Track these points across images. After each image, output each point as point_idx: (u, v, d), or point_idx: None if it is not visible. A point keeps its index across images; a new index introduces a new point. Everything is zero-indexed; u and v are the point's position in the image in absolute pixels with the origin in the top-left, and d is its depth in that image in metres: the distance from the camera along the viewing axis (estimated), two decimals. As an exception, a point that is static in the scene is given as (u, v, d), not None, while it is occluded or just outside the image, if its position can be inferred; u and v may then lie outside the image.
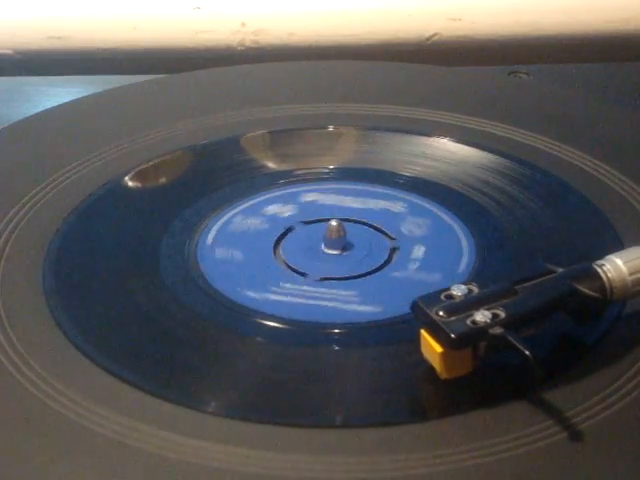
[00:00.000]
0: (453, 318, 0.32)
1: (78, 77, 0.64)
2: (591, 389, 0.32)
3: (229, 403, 0.33)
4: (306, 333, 0.37)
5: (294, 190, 0.46)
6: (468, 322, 0.32)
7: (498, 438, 0.31)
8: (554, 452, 0.30)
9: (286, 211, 0.44)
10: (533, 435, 0.31)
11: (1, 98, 0.59)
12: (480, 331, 0.31)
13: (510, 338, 0.31)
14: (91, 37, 0.69)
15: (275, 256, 0.41)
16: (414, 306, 0.33)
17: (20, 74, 0.65)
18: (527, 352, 0.30)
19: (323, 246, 0.41)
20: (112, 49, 0.69)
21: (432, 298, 0.33)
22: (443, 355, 0.32)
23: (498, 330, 0.31)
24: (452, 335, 0.31)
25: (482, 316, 0.32)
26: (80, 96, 0.55)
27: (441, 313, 0.32)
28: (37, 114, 0.53)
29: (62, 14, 0.69)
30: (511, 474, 0.30)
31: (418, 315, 0.33)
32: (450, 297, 0.33)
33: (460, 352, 0.32)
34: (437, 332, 0.32)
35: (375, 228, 0.43)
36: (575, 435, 0.31)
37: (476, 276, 0.39)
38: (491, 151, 0.48)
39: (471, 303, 0.32)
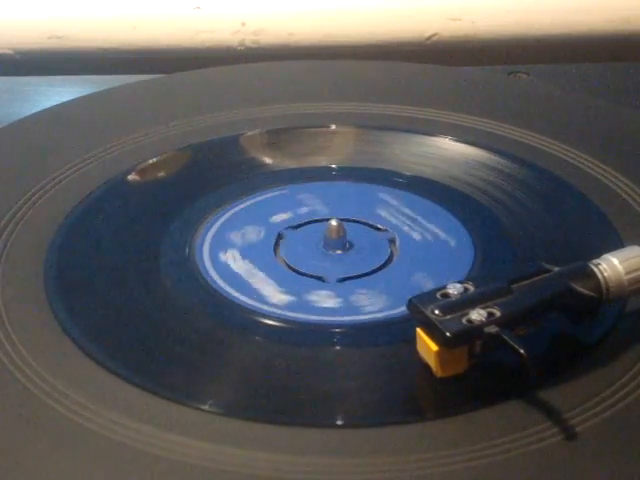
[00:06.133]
0: (448, 317, 0.32)
1: (78, 77, 0.64)
2: (591, 389, 0.32)
3: (229, 402, 0.33)
4: (305, 333, 0.37)
5: (294, 189, 0.46)
6: (463, 321, 0.32)
7: (496, 439, 0.31)
8: (553, 453, 0.30)
9: (286, 211, 0.44)
10: (532, 436, 0.31)
11: (1, 98, 0.59)
12: (475, 330, 0.31)
13: (505, 337, 0.31)
14: (91, 37, 0.69)
15: (275, 256, 0.41)
16: (410, 305, 0.33)
17: (20, 74, 0.65)
18: (522, 351, 0.30)
19: (323, 246, 0.41)
20: (112, 49, 0.69)
21: (428, 297, 0.33)
22: (438, 353, 0.32)
23: (493, 329, 0.31)
24: (447, 333, 0.31)
25: (477, 315, 0.32)
26: (80, 96, 0.56)
27: (437, 312, 0.32)
28: (37, 113, 0.53)
29: (62, 14, 0.69)
30: (510, 475, 0.30)
31: (414, 314, 0.33)
32: (446, 296, 0.33)
33: (455, 350, 0.32)
34: (432, 330, 0.32)
35: (375, 228, 0.43)
36: (574, 436, 0.31)
37: (475, 276, 0.39)
38: (491, 151, 0.48)
39: (467, 302, 0.32)
